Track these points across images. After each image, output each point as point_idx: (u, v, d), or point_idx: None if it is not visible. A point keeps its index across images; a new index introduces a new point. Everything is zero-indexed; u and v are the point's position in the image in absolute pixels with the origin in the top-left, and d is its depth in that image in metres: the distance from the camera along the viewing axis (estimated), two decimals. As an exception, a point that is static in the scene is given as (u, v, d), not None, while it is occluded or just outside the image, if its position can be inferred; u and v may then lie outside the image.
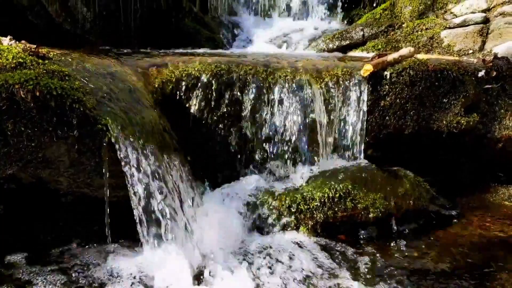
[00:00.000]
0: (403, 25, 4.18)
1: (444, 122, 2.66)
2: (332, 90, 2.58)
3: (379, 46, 4.15)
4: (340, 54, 4.02)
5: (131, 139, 1.91)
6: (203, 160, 2.45)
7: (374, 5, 5.65)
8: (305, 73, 2.59)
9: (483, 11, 3.88)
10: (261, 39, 5.07)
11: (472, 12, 3.89)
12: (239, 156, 2.50)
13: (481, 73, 2.81)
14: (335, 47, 4.44)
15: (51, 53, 2.20)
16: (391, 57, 2.73)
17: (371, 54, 4.15)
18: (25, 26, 3.27)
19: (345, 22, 5.75)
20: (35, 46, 2.31)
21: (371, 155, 2.64)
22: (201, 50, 3.34)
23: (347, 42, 4.40)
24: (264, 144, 2.51)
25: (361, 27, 4.36)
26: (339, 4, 5.76)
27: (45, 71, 1.88)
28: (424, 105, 2.64)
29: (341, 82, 2.60)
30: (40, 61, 1.97)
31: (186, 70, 2.52)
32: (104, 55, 2.70)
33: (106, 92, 2.02)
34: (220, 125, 2.51)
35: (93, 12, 3.76)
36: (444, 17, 4.06)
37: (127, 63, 2.50)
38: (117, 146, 1.87)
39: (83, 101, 1.83)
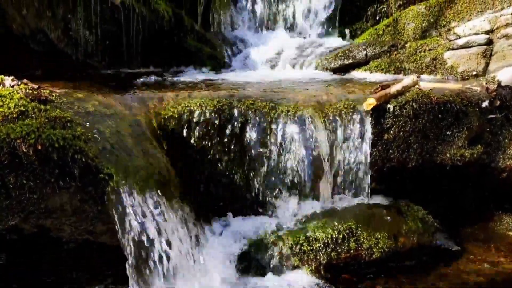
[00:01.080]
0: (406, 45, 4.17)
1: (448, 155, 2.65)
2: (334, 124, 2.56)
3: (382, 67, 4.14)
4: (343, 77, 4.00)
5: (134, 186, 1.90)
6: (205, 197, 2.44)
7: (377, 18, 5.64)
8: (307, 108, 2.57)
9: (486, 32, 3.86)
10: (263, 57, 5.06)
11: (475, 34, 3.87)
12: (242, 192, 2.48)
13: (485, 104, 2.79)
14: (337, 66, 4.43)
15: (53, 93, 2.19)
16: (394, 89, 2.72)
17: (373, 75, 4.16)
18: (26, 52, 3.27)
19: (348, 36, 5.73)
20: (37, 87, 2.31)
21: (375, 188, 2.62)
22: (202, 77, 3.31)
23: (350, 61, 4.38)
24: (267, 180, 2.50)
25: (363, 47, 4.35)
26: (341, 18, 5.73)
27: (47, 120, 1.87)
28: (427, 138, 2.63)
29: (344, 116, 2.59)
30: (42, 107, 1.97)
31: (189, 106, 2.52)
32: (105, 87, 2.70)
33: (108, 136, 2.02)
34: (223, 161, 2.51)
35: (95, 35, 3.76)
36: (448, 37, 4.05)
37: (128, 99, 2.49)
38: (119, 194, 1.86)
39: (85, 151, 1.82)
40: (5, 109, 1.87)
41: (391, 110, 2.63)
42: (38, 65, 3.37)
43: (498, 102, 2.87)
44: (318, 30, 5.72)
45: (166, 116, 2.48)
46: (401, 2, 5.50)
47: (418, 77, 2.95)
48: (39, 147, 1.70)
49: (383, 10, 5.62)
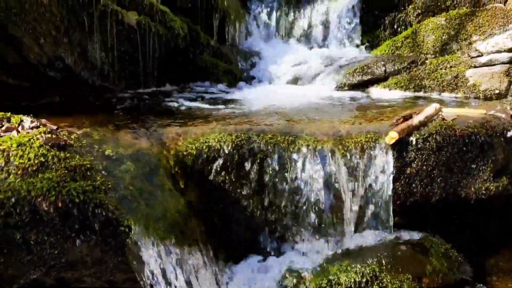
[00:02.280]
0: (427, 62, 4.09)
1: (473, 189, 2.59)
2: (355, 158, 2.51)
3: (402, 84, 4.07)
4: (361, 96, 3.94)
5: (154, 236, 1.88)
6: (224, 236, 2.41)
7: (395, 27, 5.55)
8: (327, 141, 2.52)
9: (509, 50, 3.78)
10: (279, 70, 5.01)
11: (498, 51, 3.79)
12: (261, 230, 2.45)
13: (510, 133, 2.71)
14: (356, 82, 4.37)
15: (72, 136, 2.18)
16: (416, 120, 2.66)
17: (393, 93, 4.08)
18: (44, 80, 3.27)
19: (366, 45, 5.64)
20: (56, 128, 2.30)
21: (398, 222, 2.57)
22: (221, 109, 3.25)
23: (369, 77, 4.32)
24: (287, 217, 2.46)
25: (382, 62, 4.27)
26: (359, 28, 5.65)
27: (67, 171, 1.86)
28: (451, 171, 2.56)
29: (365, 150, 2.54)
30: (62, 154, 1.95)
31: (207, 142, 2.49)
32: (122, 119, 2.69)
33: (127, 183, 2.00)
34: (242, 198, 2.47)
35: (112, 57, 3.74)
36: (469, 53, 3.96)
37: (146, 135, 2.47)
38: (139, 245, 1.85)
39: (105, 204, 1.81)
40: (25, 160, 1.86)
41: (414, 143, 2.56)
42: (56, 91, 3.37)
43: (524, 131, 2.79)
44: (335, 40, 5.65)
45: (184, 153, 2.45)
46: (419, 11, 5.41)
47: (441, 107, 2.85)
48: (60, 204, 1.68)
49: (401, 19, 5.53)
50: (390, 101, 3.63)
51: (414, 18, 5.43)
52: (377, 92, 4.15)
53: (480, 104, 3.43)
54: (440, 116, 2.77)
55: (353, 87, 4.36)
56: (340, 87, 4.36)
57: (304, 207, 2.47)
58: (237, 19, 5.36)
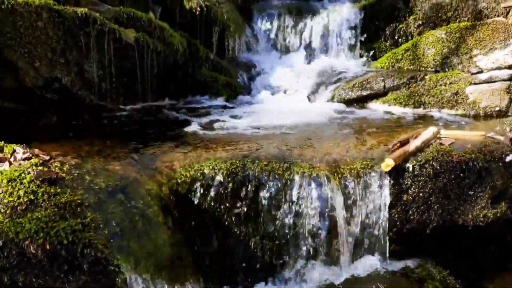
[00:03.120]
0: (426, 77, 4.06)
1: (470, 216, 2.56)
2: (351, 185, 2.49)
3: (401, 100, 4.05)
4: (359, 113, 3.91)
5: (144, 274, 1.87)
6: (218, 266, 2.39)
7: (396, 37, 5.52)
8: (323, 169, 2.50)
9: (510, 66, 3.73)
10: (278, 83, 4.99)
11: (499, 68, 3.75)
12: (256, 260, 2.43)
13: (508, 158, 2.68)
14: (355, 96, 4.34)
15: (64, 167, 2.16)
16: (413, 145, 2.63)
17: (392, 108, 4.05)
18: (41, 101, 3.26)
19: (366, 56, 5.61)
20: (48, 158, 2.29)
21: (394, 249, 2.54)
22: (218, 129, 3.23)
23: (368, 92, 4.30)
24: (282, 245, 2.44)
25: (381, 78, 4.24)
26: (360, 39, 5.62)
27: (56, 208, 1.85)
28: (448, 198, 2.54)
29: (361, 177, 2.51)
30: (52, 190, 1.94)
31: (201, 170, 2.47)
32: (116, 143, 2.68)
33: (118, 218, 1.99)
34: (237, 225, 2.46)
35: (109, 75, 3.73)
36: (469, 69, 3.92)
37: (139, 162, 2.46)
38: (129, 284, 1.83)
39: (95, 243, 1.79)
40: (14, 198, 1.85)
41: (411, 169, 2.54)
42: (53, 112, 3.36)
43: (523, 155, 2.75)
44: (335, 51, 5.62)
45: (178, 182, 2.43)
46: (420, 22, 5.38)
47: (438, 129, 2.82)
48: (48, 247, 1.67)
49: (402, 30, 5.50)
50: (389, 119, 3.60)
51: (415, 29, 5.40)
52: (376, 107, 4.12)
53: (479, 123, 3.39)
54: (438, 140, 2.73)
55: (352, 101, 4.34)
56: (339, 102, 4.33)
57: (300, 235, 2.45)
58: (237, 31, 5.35)
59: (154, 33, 4.19)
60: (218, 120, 3.52)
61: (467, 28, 4.51)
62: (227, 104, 4.56)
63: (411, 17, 5.42)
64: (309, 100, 4.50)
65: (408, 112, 3.92)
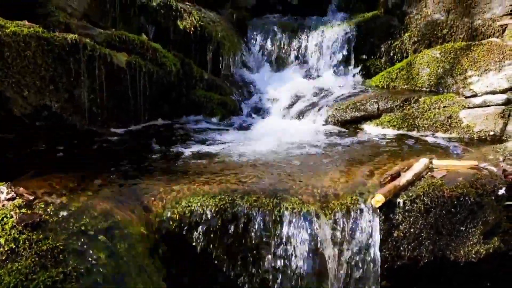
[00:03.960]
0: (420, 100, 4.03)
1: (462, 252, 2.52)
2: (341, 221, 2.46)
3: (395, 123, 4.02)
4: (353, 136, 3.88)
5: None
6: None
7: (391, 54, 5.51)
8: (313, 204, 2.48)
9: (504, 90, 3.71)
10: (272, 103, 4.97)
11: (493, 92, 3.72)
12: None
13: (501, 191, 2.65)
14: (349, 117, 4.33)
15: (48, 208, 2.13)
16: (404, 179, 2.60)
17: (386, 131, 4.02)
18: (30, 129, 3.23)
19: (361, 74, 5.60)
20: (33, 198, 2.26)
21: (385, 286, 2.51)
22: (208, 156, 3.20)
23: (362, 113, 4.27)
24: (272, 282, 2.41)
25: (375, 100, 4.22)
26: (355, 55, 5.60)
27: (37, 258, 1.82)
28: (440, 234, 2.50)
29: (351, 212, 2.48)
30: (34, 236, 1.91)
31: (189, 206, 2.45)
32: (105, 177, 2.65)
33: (101, 263, 1.95)
34: (226, 261, 2.42)
35: (100, 99, 3.71)
36: (463, 92, 3.90)
37: (126, 199, 2.43)
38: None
39: (75, 296, 1.75)
40: (-5, 247, 1.81)
41: (401, 205, 2.51)
42: (43, 139, 3.33)
43: (516, 187, 2.72)
44: (330, 68, 5.61)
45: (165, 218, 2.40)
46: (415, 39, 5.37)
47: (430, 160, 2.79)
48: (26, 302, 1.63)
49: (397, 47, 5.50)
50: (382, 144, 3.58)
51: (411, 46, 5.39)
52: (370, 130, 4.09)
53: (473, 150, 3.36)
54: (429, 172, 2.71)
55: (346, 122, 4.32)
56: (334, 123, 4.31)
57: (289, 272, 2.41)
58: (232, 49, 5.33)
59: (147, 55, 4.17)
60: (210, 144, 3.49)
61: (461, 49, 4.49)
62: (222, 124, 4.54)
63: (406, 34, 5.41)
64: (304, 120, 4.47)
65: (402, 135, 3.89)
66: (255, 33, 5.93)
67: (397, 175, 2.65)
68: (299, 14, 6.26)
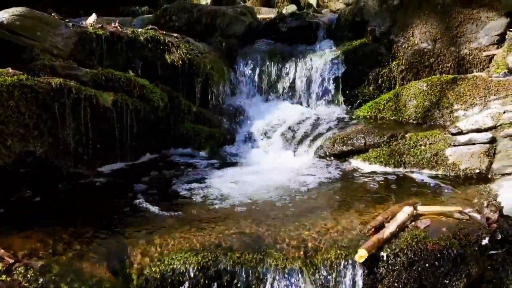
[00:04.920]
0: (407, 136, 4.05)
1: (446, 306, 2.52)
2: (325, 277, 2.45)
3: (382, 159, 4.04)
4: (339, 173, 3.89)
5: None
6: None
7: (379, 82, 5.54)
8: (296, 260, 2.47)
9: (489, 128, 3.74)
10: (261, 135, 4.98)
11: (478, 129, 3.74)
12: None
13: (484, 241, 2.66)
14: (337, 152, 4.35)
15: (28, 274, 2.13)
16: (387, 232, 2.60)
17: (373, 167, 4.03)
18: (14, 175, 3.21)
19: (350, 102, 5.62)
20: (13, 262, 2.25)
21: None
22: (192, 204, 3.19)
23: (349, 148, 4.29)
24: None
25: (362, 135, 4.24)
26: (343, 83, 5.63)
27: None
28: (424, 288, 2.50)
29: (334, 268, 2.48)
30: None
31: (172, 264, 2.43)
32: (85, 234, 2.63)
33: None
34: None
35: (86, 139, 3.69)
36: (449, 129, 3.92)
37: (108, 254, 2.42)
38: None
39: None
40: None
41: (385, 258, 2.51)
42: (27, 185, 3.31)
43: (500, 236, 2.73)
44: (318, 97, 5.64)
45: (147, 277, 2.39)
46: (403, 67, 5.42)
47: (414, 208, 2.80)
48: None
49: (385, 74, 5.54)
50: (369, 184, 3.58)
51: (398, 74, 5.43)
52: (357, 165, 4.11)
53: (459, 190, 3.38)
54: (413, 223, 2.71)
55: (334, 156, 4.34)
56: (322, 157, 4.32)
57: (272, 330, 2.40)
58: (221, 79, 5.36)
59: (134, 92, 4.17)
60: (195, 188, 3.48)
61: (447, 82, 4.52)
62: (210, 158, 4.54)
63: (394, 63, 5.45)
64: (291, 154, 4.48)
65: (389, 172, 3.91)
66: (244, 61, 5.95)
67: (381, 226, 2.65)
68: (287, 41, 6.30)
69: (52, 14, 3.90)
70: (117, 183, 3.59)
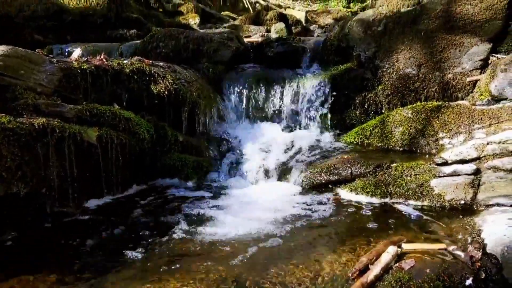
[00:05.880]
0: (392, 166, 4.06)
1: None
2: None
3: (368, 189, 4.05)
4: (325, 206, 3.89)
5: None
6: None
7: (366, 106, 5.58)
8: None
9: (474, 159, 3.76)
10: (247, 163, 4.98)
11: (462, 160, 3.77)
12: None
13: (468, 281, 2.67)
14: (324, 181, 4.36)
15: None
16: (372, 275, 2.61)
17: (359, 198, 4.04)
18: None
19: (336, 126, 5.65)
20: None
21: None
22: (172, 250, 3.18)
23: (336, 177, 4.31)
24: None
25: (348, 164, 4.26)
26: (330, 107, 5.66)
27: None
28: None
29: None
30: None
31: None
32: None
33: None
34: None
35: (71, 176, 3.67)
36: (434, 159, 3.94)
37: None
38: None
39: None
40: None
41: (369, 303, 2.50)
42: (11, 226, 3.28)
43: (483, 275, 2.74)
44: (305, 122, 5.66)
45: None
46: (389, 92, 5.46)
47: (399, 245, 2.81)
48: None
49: (371, 99, 5.59)
50: (355, 217, 3.60)
51: (384, 99, 5.47)
52: (344, 195, 4.12)
53: (443, 223, 3.39)
54: (397, 264, 2.72)
55: (321, 186, 4.35)
56: (309, 186, 4.33)
57: None
58: (208, 106, 5.37)
59: (119, 126, 4.16)
60: (179, 223, 3.47)
61: (432, 110, 4.56)
62: (196, 188, 4.54)
63: (380, 87, 5.50)
64: (279, 183, 4.49)
65: (376, 202, 3.92)
66: (231, 86, 5.99)
67: (365, 268, 2.65)
68: (274, 65, 6.35)
69: (37, 51, 3.88)
70: (102, 221, 3.56)
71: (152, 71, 4.66)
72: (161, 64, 4.98)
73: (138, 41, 6.40)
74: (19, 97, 3.48)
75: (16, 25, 6.48)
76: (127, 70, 4.50)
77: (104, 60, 4.29)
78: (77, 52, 4.18)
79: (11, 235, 3.23)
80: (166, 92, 4.72)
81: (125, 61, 4.57)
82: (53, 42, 6.85)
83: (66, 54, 6.49)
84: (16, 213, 3.34)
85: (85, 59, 4.19)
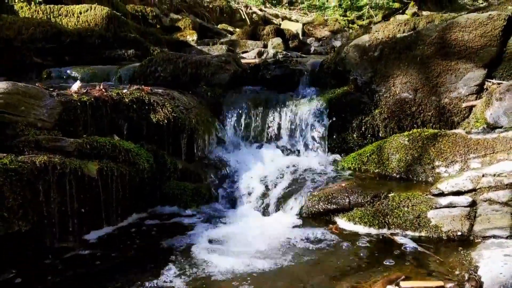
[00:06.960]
0: (389, 196, 4.11)
1: None
2: None
3: (366, 219, 4.10)
4: (324, 235, 3.93)
5: None
6: None
7: (363, 129, 5.63)
8: None
9: (469, 191, 3.81)
10: (247, 189, 5.01)
11: (458, 192, 3.82)
12: None
13: (466, 322, 2.70)
14: (322, 210, 4.40)
15: None
16: (370, 318, 2.63)
17: (357, 228, 4.08)
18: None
19: (334, 149, 5.70)
20: None
21: None
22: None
23: (334, 206, 4.35)
24: None
25: (346, 194, 4.30)
26: (327, 131, 5.71)
27: None
28: None
29: None
30: None
31: None
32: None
33: None
34: None
35: (71, 209, 3.70)
36: (431, 190, 3.99)
37: None
38: None
39: None
40: None
41: None
42: (12, 265, 3.31)
43: (480, 315, 2.78)
44: (303, 145, 5.71)
45: None
46: (385, 116, 5.51)
47: (397, 284, 2.85)
48: None
49: (368, 122, 5.64)
50: (352, 250, 3.63)
51: (381, 122, 5.52)
52: (342, 224, 4.16)
53: (441, 256, 3.43)
54: (396, 305, 2.75)
55: (319, 214, 4.38)
56: (307, 215, 4.37)
57: None
58: (207, 131, 5.41)
59: (119, 158, 4.20)
60: (176, 256, 3.50)
61: (428, 138, 4.61)
62: (195, 216, 4.57)
63: (377, 111, 5.56)
64: (276, 214, 4.52)
65: (373, 233, 3.96)
66: (229, 110, 6.04)
67: (363, 311, 2.69)
68: (272, 87, 6.40)
69: (37, 85, 3.92)
70: (101, 256, 3.59)
71: (151, 100, 4.70)
72: (160, 91, 5.02)
73: (137, 64, 6.45)
74: (20, 134, 3.51)
75: (15, 48, 6.52)
76: (127, 100, 4.54)
77: (103, 90, 4.34)
78: (76, 85, 4.22)
79: (11, 274, 3.25)
80: (165, 121, 4.76)
81: (124, 90, 4.61)
82: (52, 64, 6.90)
83: (65, 76, 6.54)
84: (16, 250, 3.35)
85: (85, 90, 4.23)
